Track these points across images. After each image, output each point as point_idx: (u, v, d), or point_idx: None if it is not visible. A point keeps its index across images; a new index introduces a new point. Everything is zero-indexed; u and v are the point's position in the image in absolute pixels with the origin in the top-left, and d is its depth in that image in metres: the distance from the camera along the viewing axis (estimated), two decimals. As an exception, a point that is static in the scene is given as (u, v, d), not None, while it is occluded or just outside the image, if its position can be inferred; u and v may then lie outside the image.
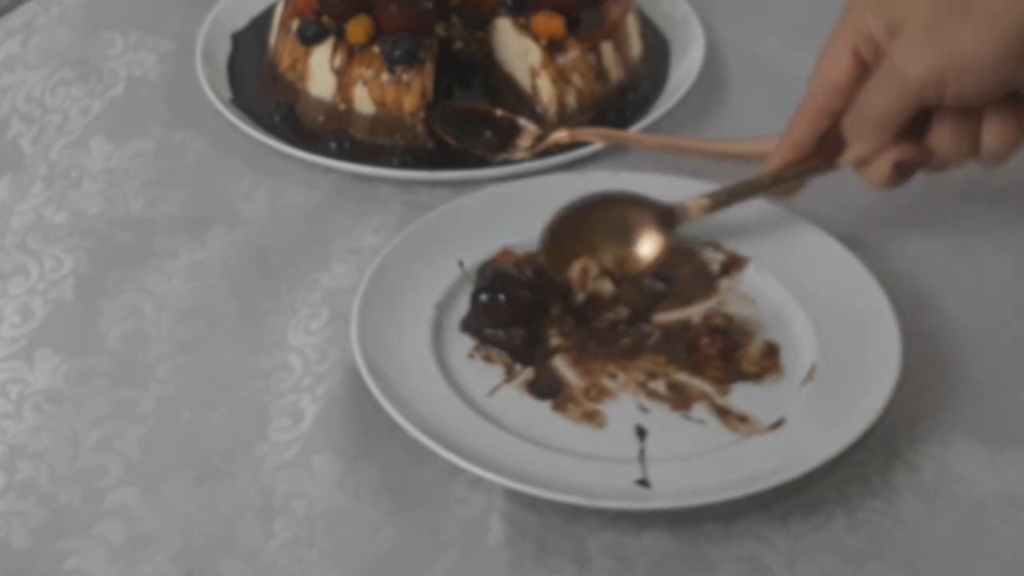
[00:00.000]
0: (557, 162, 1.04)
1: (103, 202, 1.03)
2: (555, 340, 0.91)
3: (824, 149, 0.89)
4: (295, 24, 1.10)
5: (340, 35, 1.08)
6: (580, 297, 0.93)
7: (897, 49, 0.83)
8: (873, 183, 0.89)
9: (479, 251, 0.95)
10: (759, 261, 0.95)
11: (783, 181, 0.92)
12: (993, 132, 0.85)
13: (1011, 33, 0.80)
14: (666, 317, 0.93)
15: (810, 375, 0.89)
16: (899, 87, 0.83)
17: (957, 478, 0.84)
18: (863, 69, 0.86)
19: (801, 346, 0.90)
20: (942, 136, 0.86)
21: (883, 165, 0.87)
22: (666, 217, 0.94)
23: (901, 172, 0.87)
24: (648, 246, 0.94)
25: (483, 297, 0.91)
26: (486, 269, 0.93)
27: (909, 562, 0.80)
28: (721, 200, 0.95)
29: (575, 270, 0.93)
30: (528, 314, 0.91)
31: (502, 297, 0.90)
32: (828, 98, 0.88)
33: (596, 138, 1.05)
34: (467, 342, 0.91)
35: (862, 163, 0.88)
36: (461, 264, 0.94)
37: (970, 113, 0.85)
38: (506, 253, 0.95)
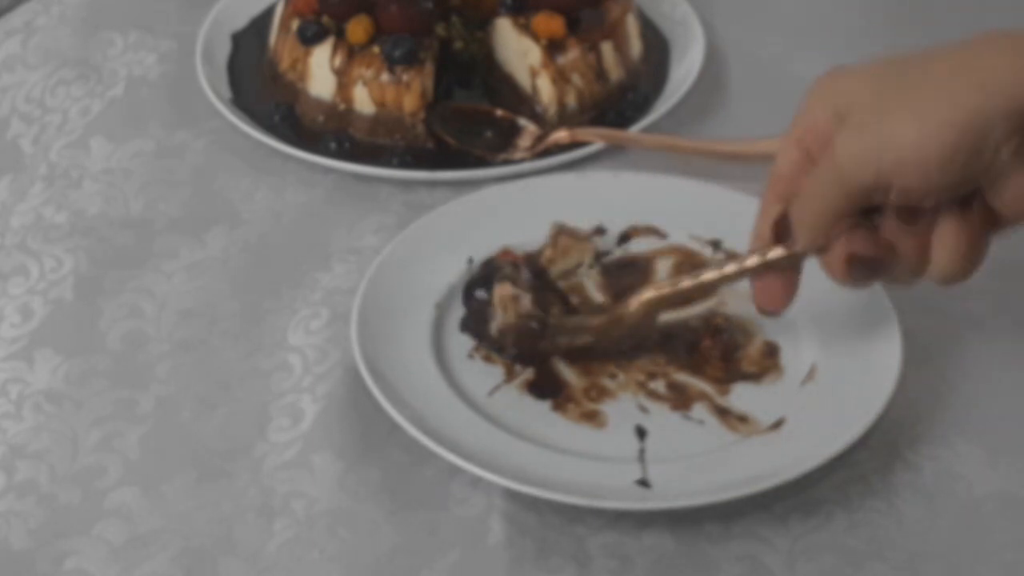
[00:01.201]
0: (557, 162, 1.04)
1: (103, 202, 1.03)
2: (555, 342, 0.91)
3: (777, 237, 0.83)
4: (295, 24, 1.10)
5: (340, 35, 1.08)
6: (575, 299, 0.93)
7: (838, 142, 0.76)
8: (833, 277, 0.80)
9: (479, 251, 0.95)
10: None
11: (748, 273, 0.85)
12: (942, 243, 0.77)
13: (956, 125, 0.72)
14: (666, 317, 0.93)
15: (810, 375, 0.89)
16: (837, 181, 0.76)
17: (957, 478, 0.84)
18: (808, 159, 0.79)
19: (801, 346, 0.90)
20: (892, 236, 0.78)
21: (836, 260, 0.79)
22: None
23: (854, 267, 0.79)
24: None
25: (479, 294, 0.91)
26: (483, 269, 0.93)
27: (909, 562, 0.80)
28: (677, 292, 0.89)
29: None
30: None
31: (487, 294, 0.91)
32: (778, 186, 0.82)
33: (596, 138, 1.05)
34: (467, 342, 0.91)
35: (816, 252, 0.81)
36: (471, 261, 0.94)
37: (919, 219, 0.77)
38: (506, 253, 0.95)
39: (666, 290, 0.88)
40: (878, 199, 0.76)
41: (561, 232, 0.95)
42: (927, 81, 0.74)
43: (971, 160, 0.73)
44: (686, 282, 0.87)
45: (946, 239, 0.77)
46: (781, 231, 0.82)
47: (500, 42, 1.11)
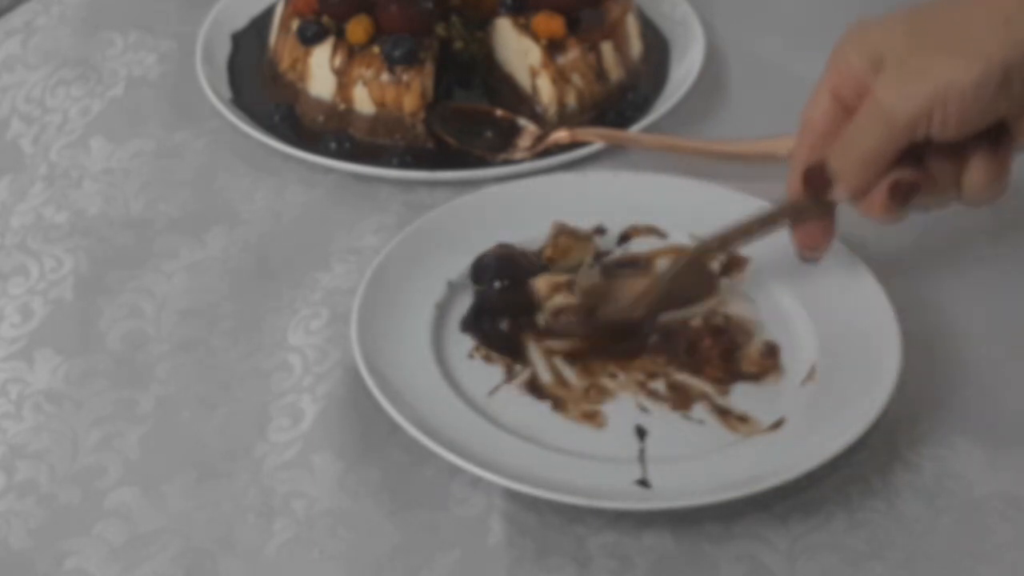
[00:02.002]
0: (557, 162, 1.04)
1: (103, 202, 1.03)
2: (555, 342, 0.91)
3: (813, 189, 0.87)
4: (295, 24, 1.10)
5: (340, 35, 1.08)
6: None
7: (879, 85, 0.82)
8: (871, 215, 0.86)
9: (479, 251, 0.94)
10: (759, 261, 0.95)
11: (777, 223, 0.89)
12: (976, 171, 0.84)
13: (989, 61, 0.79)
14: (666, 317, 0.93)
15: (810, 375, 0.89)
16: (884, 123, 0.82)
17: (957, 478, 0.84)
18: (843, 109, 0.85)
19: (801, 346, 0.90)
20: (931, 167, 0.85)
21: (879, 196, 0.85)
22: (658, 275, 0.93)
23: (897, 197, 0.85)
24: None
25: (497, 284, 0.91)
26: (481, 266, 0.93)
27: (909, 562, 0.80)
28: (723, 243, 0.91)
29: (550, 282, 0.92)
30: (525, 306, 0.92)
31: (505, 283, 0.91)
32: (813, 141, 0.86)
33: (596, 138, 1.05)
34: (467, 342, 0.91)
35: (856, 198, 0.86)
36: (450, 284, 0.93)
37: (954, 153, 0.84)
38: (502, 247, 0.94)
39: (704, 248, 0.91)
40: (919, 135, 0.81)
41: (562, 232, 0.95)
42: (955, 21, 0.81)
43: (1001, 91, 0.79)
44: (730, 230, 0.90)
45: (978, 170, 0.84)
46: (814, 180, 0.86)
47: (500, 42, 1.11)
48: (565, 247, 0.95)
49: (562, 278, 0.92)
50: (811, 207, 0.88)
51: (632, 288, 0.92)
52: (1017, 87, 0.80)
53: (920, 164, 0.84)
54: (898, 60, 0.82)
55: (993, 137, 0.83)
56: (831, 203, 0.87)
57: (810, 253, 0.90)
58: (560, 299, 0.91)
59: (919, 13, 0.83)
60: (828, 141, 0.85)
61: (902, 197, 0.85)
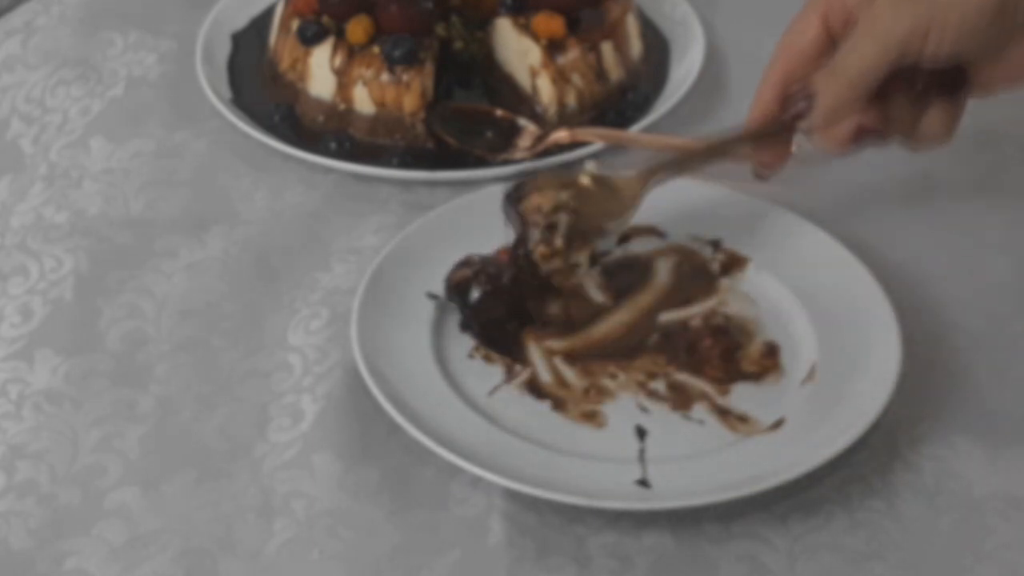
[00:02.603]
0: (557, 162, 1.04)
1: (103, 202, 1.03)
2: (553, 343, 0.91)
3: (791, 112, 0.89)
4: (295, 24, 1.10)
5: (340, 35, 1.08)
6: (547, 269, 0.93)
7: (879, 7, 0.83)
8: (827, 148, 0.89)
9: (479, 251, 0.94)
10: (759, 261, 0.95)
11: (740, 145, 0.91)
12: (934, 117, 0.86)
13: None
14: (666, 317, 0.93)
15: (810, 375, 0.89)
16: (882, 42, 0.83)
17: (957, 478, 0.84)
18: (829, 36, 0.87)
19: (801, 346, 0.90)
20: (894, 110, 0.87)
21: (844, 130, 0.88)
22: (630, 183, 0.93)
23: (860, 139, 0.88)
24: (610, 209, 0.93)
25: (475, 295, 0.91)
26: (451, 287, 0.93)
27: (909, 562, 0.80)
28: (688, 159, 0.93)
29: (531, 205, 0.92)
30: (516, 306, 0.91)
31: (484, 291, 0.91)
32: (794, 65, 0.88)
33: (596, 138, 1.05)
34: (467, 342, 0.91)
35: (826, 126, 0.88)
36: (434, 297, 0.93)
37: (915, 98, 0.86)
38: (503, 252, 0.95)
39: (678, 158, 0.93)
40: (911, 55, 0.83)
41: (542, 177, 0.94)
42: None
43: (996, 18, 0.81)
44: (694, 152, 0.93)
45: (937, 116, 0.86)
46: (794, 103, 0.87)
47: (500, 42, 1.11)
48: (543, 186, 0.94)
49: (554, 192, 0.92)
50: (772, 132, 0.89)
51: (618, 192, 0.93)
52: (1010, 18, 0.81)
53: (881, 108, 0.87)
54: None
55: (949, 85, 0.85)
56: (793, 128, 0.89)
57: (765, 172, 0.92)
58: (554, 215, 0.91)
59: None
60: (805, 66, 0.87)
61: (867, 141, 0.88)
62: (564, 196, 0.91)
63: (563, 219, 0.90)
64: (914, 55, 0.83)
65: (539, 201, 0.90)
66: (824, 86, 0.86)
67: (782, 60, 0.88)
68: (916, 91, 0.86)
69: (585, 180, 0.92)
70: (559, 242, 0.90)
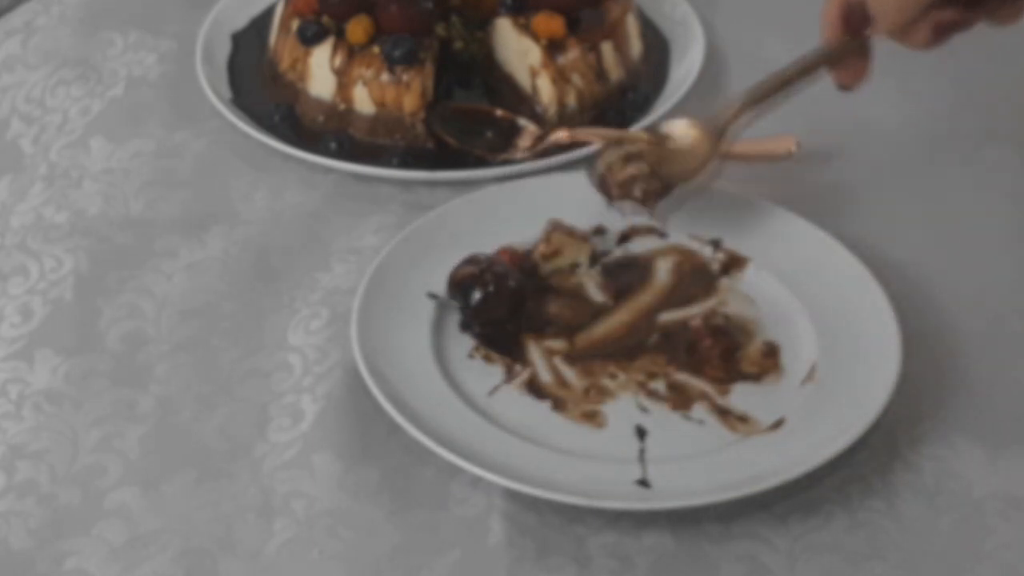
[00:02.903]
0: (557, 162, 1.04)
1: (103, 202, 1.03)
2: (553, 343, 0.91)
3: (852, 28, 0.90)
4: (295, 24, 1.10)
5: (340, 35, 1.08)
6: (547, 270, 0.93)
7: None
8: (913, 47, 0.89)
9: (478, 251, 0.94)
10: (759, 261, 0.95)
11: (818, 67, 0.92)
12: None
13: None
14: (666, 317, 0.93)
15: (810, 375, 0.89)
16: None
17: (957, 478, 0.84)
18: None
19: (801, 346, 0.90)
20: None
21: (922, 31, 0.88)
22: (712, 126, 0.94)
23: (940, 33, 0.88)
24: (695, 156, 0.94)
25: (478, 294, 0.91)
26: (454, 281, 0.93)
27: (909, 562, 0.80)
28: (766, 90, 0.95)
29: (618, 154, 0.93)
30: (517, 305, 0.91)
31: (489, 291, 0.91)
32: None
33: (596, 138, 1.05)
34: (467, 342, 0.91)
35: (896, 35, 0.89)
36: (434, 297, 0.93)
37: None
38: (504, 251, 0.95)
39: (754, 94, 0.94)
40: None
41: (556, 229, 0.95)
42: None
43: None
44: (767, 83, 0.94)
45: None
46: (854, 20, 0.89)
47: (500, 42, 1.11)
48: (559, 245, 0.95)
49: (628, 148, 0.93)
50: (848, 47, 0.90)
51: (693, 147, 0.93)
52: None
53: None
54: None
55: None
56: (866, 41, 0.90)
57: (847, 85, 0.93)
58: (631, 169, 0.91)
59: None
60: None
61: (947, 33, 0.88)
62: (633, 149, 0.92)
63: (639, 171, 0.91)
64: None
65: (611, 158, 0.92)
66: (878, 4, 0.87)
67: None
68: None
69: (658, 134, 0.94)
70: (638, 193, 0.91)
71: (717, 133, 0.93)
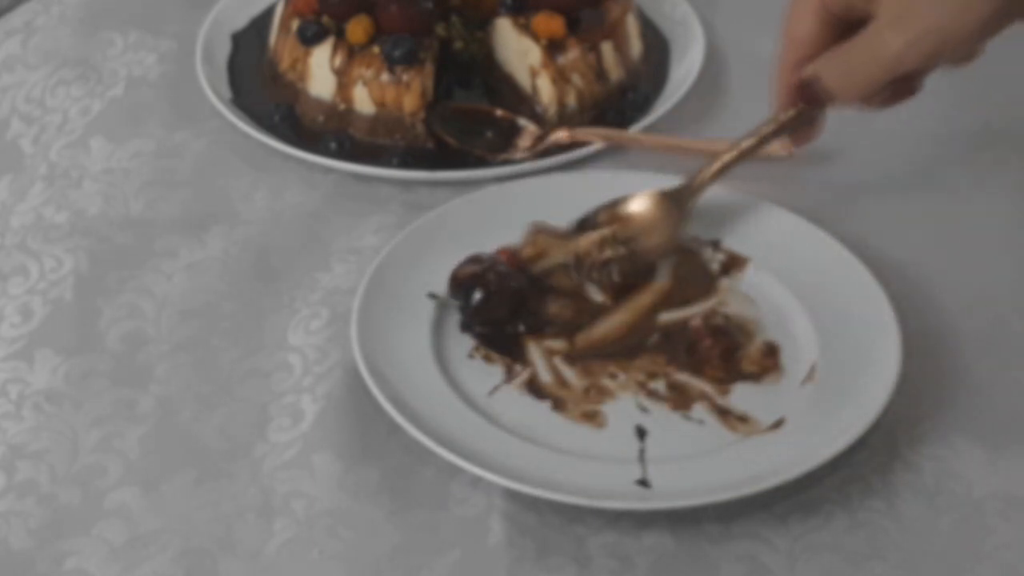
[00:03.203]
0: (557, 162, 1.04)
1: (103, 202, 1.03)
2: (553, 343, 0.91)
3: (810, 101, 0.90)
4: (295, 24, 1.10)
5: (340, 35, 1.08)
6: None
7: (886, 27, 0.84)
8: (869, 109, 0.90)
9: (479, 251, 0.94)
10: (759, 261, 0.95)
11: (780, 129, 0.93)
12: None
13: (994, 4, 0.81)
14: (666, 317, 0.93)
15: (810, 375, 0.89)
16: (888, 65, 0.84)
17: (957, 478, 0.84)
18: (829, 20, 0.87)
19: (801, 346, 0.90)
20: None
21: (878, 99, 0.89)
22: (676, 197, 0.95)
23: (900, 96, 0.89)
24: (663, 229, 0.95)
25: (475, 297, 0.91)
26: (456, 280, 0.93)
27: (909, 562, 0.80)
28: (728, 161, 0.95)
29: (590, 240, 0.93)
30: (519, 306, 0.91)
31: (488, 293, 0.91)
32: (798, 50, 0.89)
33: (596, 138, 1.05)
34: (467, 342, 0.91)
35: (848, 106, 0.90)
36: (433, 296, 0.93)
37: None
38: (503, 251, 0.94)
39: (716, 164, 0.94)
40: (919, 70, 0.85)
41: (540, 231, 0.95)
42: None
43: (999, 26, 0.82)
44: (727, 154, 0.94)
45: None
46: (810, 94, 0.89)
47: (500, 42, 1.11)
48: (544, 246, 0.95)
49: (603, 233, 0.93)
50: (803, 115, 0.91)
51: (662, 217, 0.94)
52: (1009, 21, 0.82)
53: None
54: (896, 6, 0.83)
55: None
56: (820, 110, 0.91)
57: (802, 145, 0.95)
58: (608, 252, 0.92)
59: None
60: (816, 51, 0.88)
61: (903, 94, 0.89)
62: (608, 232, 0.92)
63: (615, 254, 0.91)
64: (922, 68, 0.85)
65: (585, 242, 0.93)
66: (835, 83, 0.87)
67: (788, 48, 0.89)
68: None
69: (628, 209, 0.94)
70: (617, 278, 0.92)
71: (680, 205, 0.94)
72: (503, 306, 0.91)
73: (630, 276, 0.93)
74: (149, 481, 0.85)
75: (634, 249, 0.93)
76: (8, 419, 0.88)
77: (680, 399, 0.88)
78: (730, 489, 0.81)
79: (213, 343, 0.93)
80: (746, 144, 0.94)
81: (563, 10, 1.09)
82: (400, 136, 1.07)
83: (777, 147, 1.03)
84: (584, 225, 0.94)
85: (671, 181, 1.00)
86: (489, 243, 0.95)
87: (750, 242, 0.96)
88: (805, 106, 0.91)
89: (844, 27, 0.86)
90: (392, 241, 0.96)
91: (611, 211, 0.95)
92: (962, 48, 0.84)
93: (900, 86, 0.88)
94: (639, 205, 0.95)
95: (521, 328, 0.91)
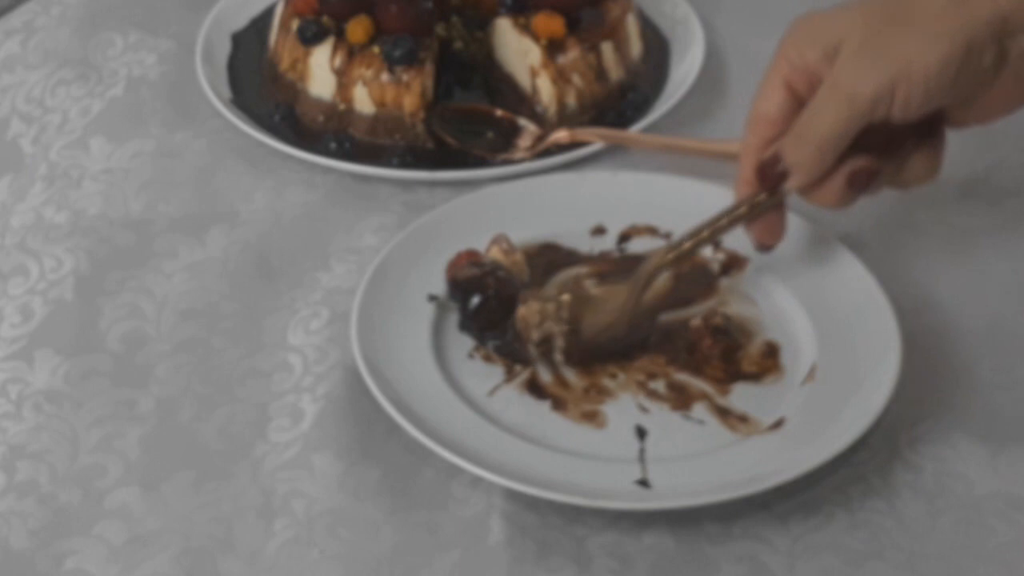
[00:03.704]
0: (557, 162, 1.04)
1: (103, 202, 1.03)
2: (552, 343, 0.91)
3: (767, 182, 0.88)
4: (295, 24, 1.10)
5: (340, 35, 1.08)
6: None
7: (841, 70, 0.83)
8: (826, 204, 0.88)
9: (478, 250, 0.94)
10: (759, 261, 0.95)
11: (736, 220, 0.90)
12: (918, 159, 0.87)
13: (952, 39, 0.80)
14: (666, 317, 0.93)
15: (810, 375, 0.89)
16: (847, 106, 0.83)
17: (957, 478, 0.84)
18: (796, 100, 0.86)
19: (801, 346, 0.90)
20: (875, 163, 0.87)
21: (836, 183, 0.86)
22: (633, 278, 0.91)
23: (854, 184, 0.86)
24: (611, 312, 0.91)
25: (473, 302, 0.91)
26: (456, 282, 0.93)
27: (909, 562, 0.80)
28: (684, 251, 0.91)
29: (532, 310, 0.90)
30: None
31: (488, 297, 0.91)
32: (764, 131, 0.87)
33: (596, 138, 1.05)
34: (467, 342, 0.91)
35: (809, 188, 0.87)
36: (433, 298, 0.93)
37: (893, 142, 0.86)
38: (470, 253, 0.94)
39: (671, 253, 0.90)
40: (879, 115, 0.82)
41: (496, 243, 0.94)
42: (911, 5, 0.82)
43: (963, 68, 0.81)
44: (686, 243, 0.90)
45: (920, 158, 0.87)
46: (768, 173, 0.87)
47: (500, 42, 1.11)
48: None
49: (545, 306, 0.90)
50: (763, 203, 0.89)
51: (613, 298, 0.91)
52: (976, 65, 0.81)
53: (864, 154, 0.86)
54: (857, 44, 0.82)
55: (927, 127, 0.86)
56: (781, 197, 0.88)
57: (765, 245, 0.92)
58: (549, 326, 0.90)
59: (873, 4, 0.84)
60: (780, 133, 0.86)
61: (861, 185, 0.87)
62: (551, 308, 0.90)
63: (556, 332, 0.90)
64: (882, 114, 0.83)
65: (526, 313, 0.90)
66: (792, 153, 0.85)
67: (754, 131, 0.88)
68: (890, 136, 0.85)
69: (573, 294, 0.91)
70: (559, 358, 0.90)
71: (638, 285, 0.90)
72: (502, 309, 0.91)
73: (573, 356, 0.89)
74: (149, 481, 0.85)
75: (579, 326, 0.90)
76: (8, 419, 0.88)
77: (680, 399, 0.88)
78: (730, 489, 0.81)
79: (213, 343, 0.93)
80: (705, 232, 0.90)
81: (563, 10, 1.09)
82: (400, 136, 1.07)
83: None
84: (532, 287, 0.92)
85: (671, 181, 1.00)
86: (489, 243, 0.95)
87: (750, 242, 0.96)
88: (764, 188, 0.88)
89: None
90: (392, 241, 0.96)
91: (565, 283, 0.93)
92: (926, 91, 0.81)
93: (857, 169, 0.86)
94: (592, 286, 0.92)
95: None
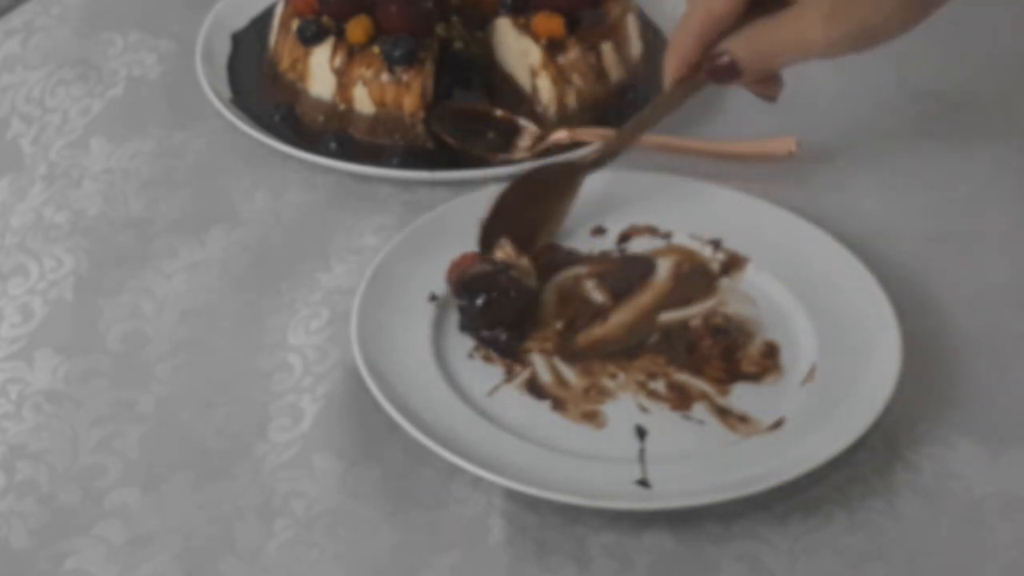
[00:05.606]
0: (557, 162, 1.04)
1: (103, 202, 1.03)
2: (548, 343, 0.91)
3: (719, 79, 0.91)
4: (295, 24, 1.10)
5: (340, 35, 1.08)
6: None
7: (811, 15, 0.85)
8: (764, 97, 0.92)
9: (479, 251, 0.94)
10: (759, 261, 0.95)
11: (675, 104, 0.94)
12: None
13: (924, 5, 0.83)
14: (666, 317, 0.93)
15: (810, 375, 0.89)
16: (807, 49, 0.86)
17: (957, 478, 0.84)
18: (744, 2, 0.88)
19: (801, 346, 0.90)
20: None
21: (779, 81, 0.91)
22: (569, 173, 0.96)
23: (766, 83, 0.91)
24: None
25: (480, 300, 0.91)
26: (464, 279, 0.93)
27: (909, 562, 0.80)
28: (624, 139, 0.96)
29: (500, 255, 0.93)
30: (519, 311, 0.91)
31: (493, 296, 0.91)
32: (713, 27, 0.89)
33: (596, 138, 1.05)
34: (467, 342, 0.91)
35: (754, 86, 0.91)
36: (434, 297, 0.93)
37: None
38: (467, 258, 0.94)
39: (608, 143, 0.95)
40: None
41: (500, 247, 0.94)
42: None
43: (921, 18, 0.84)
44: (629, 129, 0.96)
45: None
46: (720, 72, 0.89)
47: (500, 42, 1.11)
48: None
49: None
50: (696, 91, 0.93)
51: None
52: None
53: None
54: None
55: None
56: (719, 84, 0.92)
57: (770, 97, 0.93)
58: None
59: None
60: (729, 27, 0.88)
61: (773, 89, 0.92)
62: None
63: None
64: (835, 57, 0.86)
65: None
66: (749, 62, 0.88)
67: (701, 22, 0.90)
68: None
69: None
70: (510, 251, 0.92)
71: (576, 175, 0.95)
72: (510, 307, 0.91)
73: (523, 245, 0.93)
74: (149, 481, 0.85)
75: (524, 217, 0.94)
76: (8, 419, 0.88)
77: (680, 399, 0.88)
78: (730, 489, 0.81)
79: (213, 343, 0.93)
80: (645, 118, 0.95)
81: (563, 10, 1.09)
82: (400, 136, 1.07)
83: (777, 147, 1.04)
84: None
85: (671, 181, 1.00)
86: (489, 243, 0.95)
87: (750, 242, 0.96)
88: (704, 80, 0.91)
89: (758, 5, 0.88)
90: (392, 241, 0.96)
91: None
92: (880, 42, 0.85)
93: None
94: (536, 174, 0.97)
95: (523, 331, 0.91)
